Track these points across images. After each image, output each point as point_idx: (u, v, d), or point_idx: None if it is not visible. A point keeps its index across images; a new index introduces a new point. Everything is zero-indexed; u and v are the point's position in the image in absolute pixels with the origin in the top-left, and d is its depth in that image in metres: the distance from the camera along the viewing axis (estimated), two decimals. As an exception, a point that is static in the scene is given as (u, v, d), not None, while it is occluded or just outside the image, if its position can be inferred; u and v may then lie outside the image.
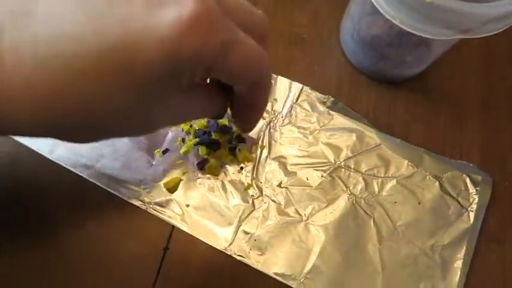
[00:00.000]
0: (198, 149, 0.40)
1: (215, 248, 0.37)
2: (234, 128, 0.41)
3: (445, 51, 0.40)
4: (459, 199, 0.40)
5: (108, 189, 0.38)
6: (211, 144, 0.39)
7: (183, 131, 0.41)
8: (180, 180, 0.39)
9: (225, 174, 0.40)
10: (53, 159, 0.39)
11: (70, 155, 0.39)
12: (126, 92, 0.21)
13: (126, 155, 0.40)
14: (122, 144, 0.40)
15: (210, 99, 0.28)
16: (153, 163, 0.40)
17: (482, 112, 0.45)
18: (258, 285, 0.37)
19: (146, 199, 0.38)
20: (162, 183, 0.39)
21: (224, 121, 0.41)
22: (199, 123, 0.41)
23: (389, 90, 0.45)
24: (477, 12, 0.30)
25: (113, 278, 0.36)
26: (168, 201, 0.38)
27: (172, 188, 0.38)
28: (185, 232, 0.38)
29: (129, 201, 0.38)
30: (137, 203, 0.38)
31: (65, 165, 0.39)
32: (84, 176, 0.39)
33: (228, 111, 0.28)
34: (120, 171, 0.39)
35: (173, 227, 0.38)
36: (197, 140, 0.40)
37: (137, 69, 0.20)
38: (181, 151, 0.40)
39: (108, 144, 0.40)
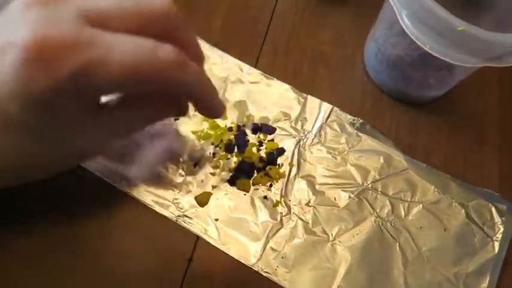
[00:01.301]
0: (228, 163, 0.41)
1: (240, 263, 0.38)
2: (264, 145, 0.42)
3: (469, 75, 0.42)
4: (484, 228, 0.41)
5: (139, 198, 0.39)
6: (247, 168, 0.41)
7: (212, 144, 0.42)
8: (211, 194, 0.40)
9: (255, 190, 0.40)
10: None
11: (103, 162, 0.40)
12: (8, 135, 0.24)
13: (157, 167, 0.41)
14: (154, 156, 0.41)
15: (152, 107, 0.30)
16: (184, 176, 0.40)
17: (500, 136, 0.46)
18: (283, 303, 0.37)
19: (176, 212, 0.39)
20: (192, 196, 0.39)
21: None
22: (228, 136, 0.42)
23: (412, 111, 0.46)
24: (508, 42, 0.31)
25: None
26: (197, 215, 0.39)
27: (203, 202, 0.39)
28: (210, 245, 0.38)
29: (159, 212, 0.39)
30: (168, 214, 0.39)
31: (99, 174, 0.40)
32: (118, 187, 0.39)
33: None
34: (152, 182, 0.40)
35: (197, 237, 0.38)
36: (232, 167, 0.41)
37: (8, 114, 0.23)
38: (212, 168, 0.41)
39: (139, 156, 0.41)
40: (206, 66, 0.43)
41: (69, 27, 0.23)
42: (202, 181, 0.40)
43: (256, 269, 0.37)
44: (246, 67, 0.46)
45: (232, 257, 0.38)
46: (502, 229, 0.41)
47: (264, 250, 0.38)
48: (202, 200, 0.39)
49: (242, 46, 0.47)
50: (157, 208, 0.39)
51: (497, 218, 0.41)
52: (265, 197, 0.40)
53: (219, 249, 0.38)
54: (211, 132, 0.42)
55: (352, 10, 0.51)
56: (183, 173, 0.41)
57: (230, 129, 0.43)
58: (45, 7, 0.23)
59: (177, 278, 0.37)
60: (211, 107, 0.31)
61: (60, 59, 0.22)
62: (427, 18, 0.33)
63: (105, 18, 0.24)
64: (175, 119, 0.42)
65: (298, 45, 0.48)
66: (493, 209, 0.42)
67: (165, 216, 0.39)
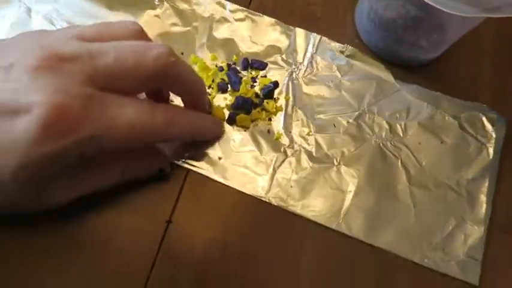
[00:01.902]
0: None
1: (251, 196, 0.37)
2: (258, 81, 0.41)
3: (462, 36, 0.41)
4: (478, 137, 0.42)
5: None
6: (244, 104, 0.40)
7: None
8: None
9: (255, 126, 0.40)
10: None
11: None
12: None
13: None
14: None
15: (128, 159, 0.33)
16: (181, 119, 0.39)
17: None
18: (297, 228, 0.37)
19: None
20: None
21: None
22: (220, 75, 0.41)
23: (404, 75, 0.44)
24: None
25: (110, 255, 0.35)
26: (201, 155, 0.38)
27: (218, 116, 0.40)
28: (218, 183, 0.38)
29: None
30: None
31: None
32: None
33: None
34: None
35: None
36: (225, 105, 0.41)
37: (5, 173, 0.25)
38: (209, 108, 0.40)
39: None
40: (188, 7, 0.42)
41: (80, 94, 0.25)
42: (200, 122, 0.40)
43: (267, 200, 0.37)
44: (228, 4, 0.44)
45: (242, 192, 0.38)
46: (494, 136, 0.42)
47: (272, 182, 0.38)
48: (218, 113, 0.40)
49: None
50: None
51: (488, 126, 0.43)
52: (267, 131, 0.40)
53: (228, 186, 0.38)
54: (202, 74, 0.41)
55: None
56: (179, 116, 0.39)
57: (221, 68, 0.42)
58: (53, 72, 0.25)
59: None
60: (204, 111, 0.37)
61: (73, 127, 0.25)
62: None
63: (109, 80, 0.27)
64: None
65: (287, 6, 0.46)
66: (484, 119, 0.43)
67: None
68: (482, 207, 0.40)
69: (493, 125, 0.43)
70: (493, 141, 0.42)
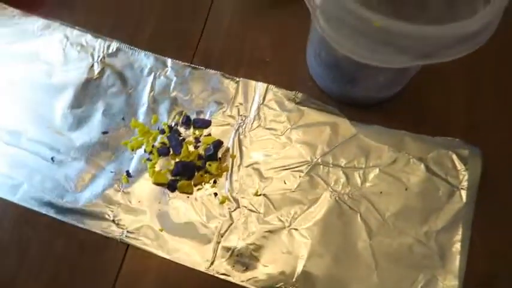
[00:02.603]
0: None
1: (194, 270, 0.35)
2: (202, 140, 0.39)
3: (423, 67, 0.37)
4: (448, 178, 0.38)
5: (78, 225, 0.37)
6: (185, 170, 0.38)
7: (145, 151, 0.39)
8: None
9: (198, 191, 0.38)
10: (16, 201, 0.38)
11: (34, 194, 0.38)
12: None
13: (92, 186, 0.38)
14: (85, 174, 0.39)
15: None
16: (121, 190, 0.38)
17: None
18: (246, 302, 0.35)
19: (117, 229, 0.36)
20: (130, 213, 0.37)
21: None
22: (161, 139, 0.39)
23: (361, 115, 0.40)
24: (435, 35, 0.26)
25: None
26: (140, 228, 0.37)
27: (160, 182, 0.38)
28: (159, 257, 0.36)
29: (100, 233, 0.36)
30: (109, 234, 0.36)
31: (30, 207, 0.37)
32: (50, 215, 0.37)
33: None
34: (88, 203, 0.37)
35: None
36: (166, 170, 0.39)
37: None
38: (153, 181, 0.38)
39: (70, 178, 0.38)
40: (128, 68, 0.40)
41: None
42: (139, 193, 0.38)
43: (211, 273, 0.35)
44: (169, 61, 0.43)
45: (186, 266, 0.35)
46: (466, 176, 0.38)
47: (216, 252, 0.36)
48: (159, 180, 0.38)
49: (175, 53, 0.44)
50: (98, 230, 0.36)
51: (460, 165, 0.39)
52: (213, 195, 0.38)
53: (169, 260, 0.36)
54: (143, 139, 0.40)
55: (292, 12, 0.44)
56: (118, 187, 0.38)
57: (162, 131, 0.40)
58: None
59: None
60: None
61: None
62: (342, 15, 0.27)
63: None
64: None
65: (232, 53, 0.44)
66: (454, 156, 0.39)
67: (111, 238, 0.36)
68: (456, 260, 0.36)
69: (465, 164, 0.39)
70: (465, 182, 0.38)
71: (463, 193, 0.38)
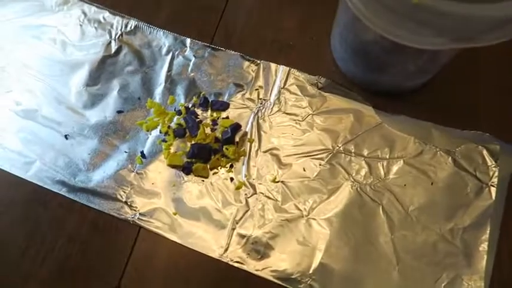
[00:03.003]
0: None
1: (207, 256, 0.34)
2: (219, 123, 0.38)
3: (455, 56, 0.35)
4: (477, 174, 0.36)
5: (89, 205, 0.36)
6: (200, 152, 0.37)
7: (161, 132, 0.38)
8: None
9: (214, 175, 0.37)
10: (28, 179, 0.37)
11: (46, 172, 0.37)
12: None
13: (105, 166, 0.37)
14: (98, 153, 0.38)
15: None
16: (135, 171, 0.37)
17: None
18: (260, 292, 0.33)
19: (129, 210, 0.35)
20: (144, 195, 0.36)
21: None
22: (177, 120, 0.38)
23: (387, 104, 0.38)
24: (478, 15, 0.24)
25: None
26: (154, 211, 0.36)
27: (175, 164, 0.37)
28: (172, 242, 0.35)
29: (112, 214, 0.35)
30: (121, 216, 0.35)
31: (42, 185, 0.36)
32: (62, 193, 0.36)
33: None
34: (100, 183, 0.36)
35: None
36: (182, 152, 0.37)
37: None
38: (167, 163, 0.37)
39: (83, 157, 0.37)
40: (145, 46, 0.39)
41: None
42: (154, 174, 0.37)
43: (225, 261, 0.34)
44: (188, 41, 0.41)
45: (198, 252, 0.34)
46: (497, 172, 0.36)
47: (231, 238, 0.35)
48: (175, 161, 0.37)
49: (194, 32, 0.42)
50: (109, 211, 0.35)
51: (490, 161, 0.37)
52: (229, 180, 0.36)
53: (183, 246, 0.34)
54: (158, 120, 0.38)
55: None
56: (132, 167, 0.37)
57: (179, 112, 0.39)
58: None
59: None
60: None
61: None
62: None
63: None
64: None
65: (255, 34, 0.42)
66: (484, 151, 0.37)
67: (123, 220, 0.35)
68: (482, 260, 0.34)
69: (495, 159, 0.37)
70: (495, 178, 0.36)
71: (493, 190, 0.36)
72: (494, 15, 0.24)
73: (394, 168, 0.37)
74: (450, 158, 0.37)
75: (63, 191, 0.36)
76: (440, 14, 0.24)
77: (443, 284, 0.33)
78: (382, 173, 0.37)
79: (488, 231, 0.35)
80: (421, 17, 0.25)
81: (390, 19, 0.27)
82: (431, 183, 0.36)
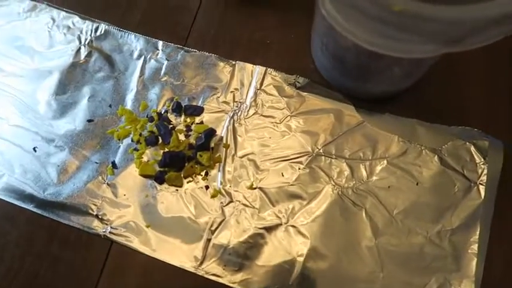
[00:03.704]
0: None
1: (182, 270, 0.33)
2: (193, 128, 0.37)
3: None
4: (465, 172, 0.35)
5: (59, 220, 0.34)
6: (173, 161, 0.35)
7: (132, 141, 0.37)
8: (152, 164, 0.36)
9: (188, 183, 0.35)
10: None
11: (14, 186, 0.36)
12: None
13: (75, 178, 0.36)
14: (68, 165, 0.36)
15: None
16: (106, 182, 0.35)
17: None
18: (238, 306, 0.32)
19: (100, 224, 0.34)
20: (117, 207, 0.34)
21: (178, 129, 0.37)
22: (149, 127, 0.37)
23: (369, 104, 0.37)
24: (467, 17, 0.22)
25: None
26: (126, 224, 0.34)
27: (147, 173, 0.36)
28: (144, 255, 0.33)
29: (83, 229, 0.34)
30: (92, 230, 0.34)
31: (10, 200, 0.35)
32: (30, 209, 0.35)
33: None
34: (70, 197, 0.35)
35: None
36: (154, 161, 0.36)
37: None
38: (139, 173, 0.36)
39: (52, 169, 0.36)
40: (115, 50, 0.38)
41: None
42: (125, 185, 0.35)
43: (200, 274, 0.33)
44: (160, 43, 0.40)
45: (173, 265, 0.33)
46: (485, 170, 0.35)
47: (206, 250, 0.33)
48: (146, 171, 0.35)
49: (167, 35, 0.41)
50: (79, 226, 0.34)
51: (478, 158, 0.35)
52: (201, 188, 0.35)
53: (157, 259, 0.33)
54: (130, 127, 0.37)
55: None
56: (103, 179, 0.36)
57: (151, 119, 0.37)
58: None
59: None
60: None
61: None
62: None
63: None
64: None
65: (230, 34, 0.41)
66: (472, 148, 0.35)
67: (94, 235, 0.34)
68: (472, 263, 0.32)
69: (484, 156, 0.35)
70: (484, 176, 0.35)
71: (482, 189, 0.34)
72: (488, 14, 0.22)
73: (377, 170, 0.35)
74: (436, 156, 0.35)
75: (30, 207, 0.35)
76: (427, 19, 0.23)
77: (431, 290, 0.32)
78: (365, 175, 0.35)
79: (477, 233, 0.33)
80: (406, 24, 0.23)
81: (372, 29, 0.25)
82: (417, 184, 0.35)
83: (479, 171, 0.35)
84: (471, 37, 0.24)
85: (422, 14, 0.22)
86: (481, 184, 0.34)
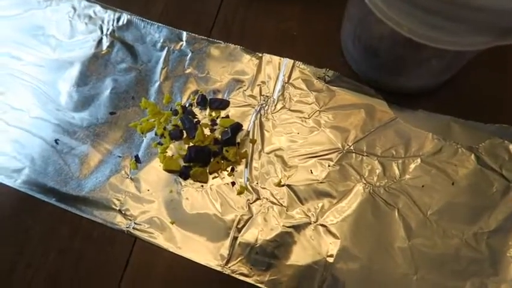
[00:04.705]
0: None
1: (207, 268, 0.32)
2: (218, 122, 0.36)
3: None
4: (503, 172, 0.34)
5: (82, 214, 0.34)
6: (198, 156, 0.34)
7: (156, 135, 0.36)
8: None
9: (214, 179, 0.35)
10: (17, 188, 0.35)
11: (35, 180, 0.35)
12: None
13: (98, 172, 0.35)
14: (90, 159, 0.36)
15: None
16: (129, 176, 0.35)
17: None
18: (265, 307, 0.31)
19: (124, 220, 0.34)
20: (140, 202, 0.34)
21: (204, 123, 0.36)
22: (173, 121, 0.36)
23: (402, 100, 0.36)
24: None
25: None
26: (149, 220, 0.34)
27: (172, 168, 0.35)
28: (169, 252, 0.33)
29: (106, 225, 0.34)
30: (115, 226, 0.33)
31: (32, 194, 0.35)
32: (52, 203, 0.34)
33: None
34: (92, 191, 0.35)
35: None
36: (179, 155, 0.35)
37: None
38: (163, 168, 0.35)
39: (74, 163, 0.36)
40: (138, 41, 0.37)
41: None
42: (149, 180, 0.35)
43: (227, 273, 0.32)
44: (184, 34, 0.39)
45: (198, 263, 0.32)
46: (525, 169, 0.33)
47: (233, 249, 0.33)
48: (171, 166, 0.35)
49: (191, 25, 0.40)
50: (102, 221, 0.34)
51: (517, 157, 0.34)
52: (227, 185, 0.34)
53: (182, 256, 0.33)
54: (154, 121, 0.36)
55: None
56: (126, 173, 0.35)
57: (175, 112, 0.37)
58: None
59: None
60: None
61: None
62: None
63: None
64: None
65: (256, 25, 0.40)
66: (511, 147, 0.34)
67: (118, 230, 0.33)
68: (510, 267, 0.31)
69: (523, 155, 0.34)
70: (524, 176, 0.33)
71: (521, 189, 0.33)
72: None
73: (411, 168, 0.34)
74: (473, 154, 0.34)
75: (53, 200, 0.35)
76: (480, 8, 0.21)
77: (467, 295, 0.31)
78: (398, 173, 0.34)
79: (516, 235, 0.32)
80: (455, 13, 0.22)
81: (417, 17, 0.24)
82: (452, 184, 0.34)
83: (519, 171, 0.34)
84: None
85: (473, 2, 0.21)
86: (521, 184, 0.33)
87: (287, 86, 0.37)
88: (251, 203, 0.34)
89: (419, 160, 0.34)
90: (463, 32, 0.24)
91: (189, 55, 0.39)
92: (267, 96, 0.37)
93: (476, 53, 0.32)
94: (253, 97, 0.37)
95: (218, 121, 0.36)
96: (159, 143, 0.36)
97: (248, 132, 0.36)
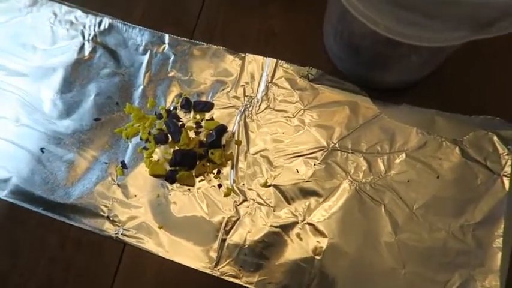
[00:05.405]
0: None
1: (197, 271, 0.33)
2: (203, 125, 0.36)
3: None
4: (488, 164, 0.34)
5: (70, 222, 0.34)
6: (184, 159, 0.35)
7: (141, 139, 0.36)
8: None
9: (200, 182, 0.35)
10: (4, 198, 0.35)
11: (23, 189, 0.36)
12: None
13: (84, 179, 0.36)
14: (77, 166, 0.36)
15: None
16: (116, 183, 0.35)
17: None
18: (256, 307, 0.32)
19: (112, 226, 0.34)
20: (127, 207, 0.34)
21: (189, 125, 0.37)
22: (158, 125, 0.36)
23: (385, 95, 0.36)
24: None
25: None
26: (138, 225, 0.34)
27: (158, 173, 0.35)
28: (158, 257, 0.33)
29: (95, 232, 0.34)
30: (104, 233, 0.34)
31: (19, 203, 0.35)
32: (40, 212, 0.35)
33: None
34: (80, 198, 0.35)
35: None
36: (164, 160, 0.36)
37: None
38: (149, 173, 0.35)
39: (61, 171, 0.36)
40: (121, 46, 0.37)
41: None
42: (136, 185, 0.35)
43: (216, 275, 0.32)
44: (166, 37, 0.39)
45: (187, 266, 0.33)
46: (509, 161, 0.34)
47: (221, 251, 0.33)
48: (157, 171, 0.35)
49: (173, 28, 0.40)
50: (90, 228, 0.34)
51: (501, 148, 0.34)
52: (213, 187, 0.35)
53: (171, 260, 0.33)
54: (138, 126, 0.37)
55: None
56: (113, 179, 0.35)
57: (160, 116, 0.37)
58: None
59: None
60: None
61: None
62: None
63: None
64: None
65: (238, 25, 0.40)
66: (495, 138, 0.35)
67: (106, 237, 0.34)
68: (497, 257, 0.32)
69: (508, 146, 0.34)
70: (508, 167, 0.34)
71: (506, 180, 0.34)
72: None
73: (396, 163, 0.35)
74: (457, 147, 0.35)
75: (40, 209, 0.35)
76: (458, 2, 0.22)
77: (455, 286, 0.32)
78: (383, 169, 0.35)
79: (502, 226, 0.33)
80: (433, 9, 0.23)
81: (393, 14, 0.24)
82: (438, 177, 0.34)
83: (503, 162, 0.34)
84: (500, 21, 0.23)
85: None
86: (505, 176, 0.34)
87: (271, 86, 0.37)
88: (238, 205, 0.34)
89: (404, 155, 0.35)
90: (439, 28, 0.24)
91: (172, 58, 0.39)
92: (251, 97, 0.37)
93: (457, 47, 0.32)
94: (237, 98, 0.37)
95: (203, 124, 0.36)
96: (145, 148, 0.36)
97: (233, 133, 0.36)
